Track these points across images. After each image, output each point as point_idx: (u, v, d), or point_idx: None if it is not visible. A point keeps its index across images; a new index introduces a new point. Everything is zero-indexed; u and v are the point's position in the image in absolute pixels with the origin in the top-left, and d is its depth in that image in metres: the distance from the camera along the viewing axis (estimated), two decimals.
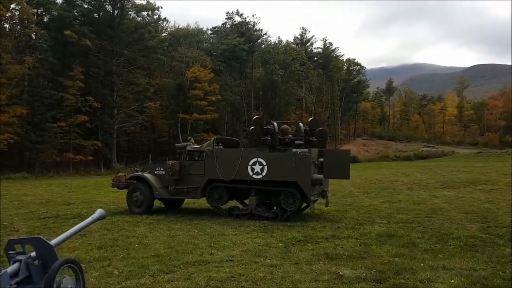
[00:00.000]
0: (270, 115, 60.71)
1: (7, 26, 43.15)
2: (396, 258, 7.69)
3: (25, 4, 40.88)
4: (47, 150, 39.42)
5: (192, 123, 52.92)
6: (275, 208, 12.22)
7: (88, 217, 6.09)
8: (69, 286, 4.90)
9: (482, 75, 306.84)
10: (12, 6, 40.07)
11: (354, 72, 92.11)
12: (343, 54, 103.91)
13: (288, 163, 11.73)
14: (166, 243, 9.16)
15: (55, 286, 4.74)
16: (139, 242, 9.29)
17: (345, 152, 13.29)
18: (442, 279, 6.41)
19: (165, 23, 68.12)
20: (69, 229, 5.98)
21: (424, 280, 6.38)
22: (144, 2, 52.65)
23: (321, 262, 7.55)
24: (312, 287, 6.23)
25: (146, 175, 13.68)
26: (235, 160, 12.28)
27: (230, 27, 72.37)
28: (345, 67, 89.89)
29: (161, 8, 64.18)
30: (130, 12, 51.73)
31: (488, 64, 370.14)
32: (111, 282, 6.50)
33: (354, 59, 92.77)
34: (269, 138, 12.43)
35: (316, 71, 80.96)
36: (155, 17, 60.64)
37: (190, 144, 13.67)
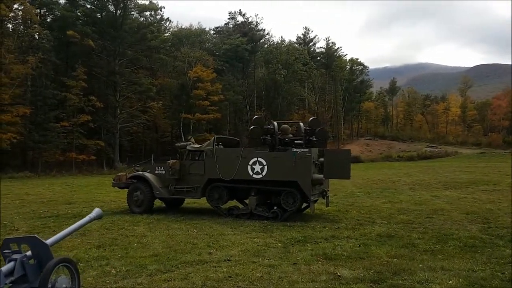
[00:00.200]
0: (273, 115, 60.70)
1: (10, 26, 43.33)
2: (395, 259, 7.66)
3: (28, 4, 41.00)
4: (50, 150, 39.52)
5: (195, 123, 53.01)
6: (275, 208, 12.20)
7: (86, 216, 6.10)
8: (64, 285, 4.89)
9: (485, 75, 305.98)
10: (15, 6, 40.23)
11: (357, 72, 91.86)
12: (346, 54, 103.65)
13: (288, 162, 11.70)
14: (165, 242, 9.15)
15: (50, 285, 4.73)
16: (138, 241, 9.29)
17: (346, 152, 13.26)
18: (440, 280, 6.38)
19: (167, 23, 68.31)
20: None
21: (422, 281, 6.35)
22: (147, 2, 52.73)
23: (319, 262, 7.52)
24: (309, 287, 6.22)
25: (147, 174, 13.69)
26: (235, 160, 12.26)
27: (232, 27, 72.41)
28: (348, 67, 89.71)
29: (164, 8, 63.94)
30: (132, 12, 51.84)
31: (492, 64, 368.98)
32: (108, 281, 6.50)
33: (357, 59, 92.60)
34: (269, 138, 12.42)
35: (319, 71, 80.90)
36: (158, 17, 60.65)
37: (190, 144, 13.67)
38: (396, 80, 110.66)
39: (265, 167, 11.95)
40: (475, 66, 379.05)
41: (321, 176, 11.82)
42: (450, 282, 6.31)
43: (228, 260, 7.67)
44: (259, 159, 12.02)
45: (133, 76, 48.90)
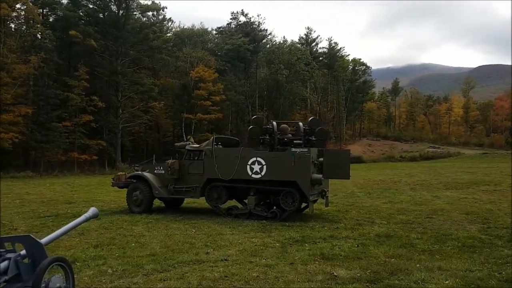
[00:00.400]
0: (275, 115, 60.69)
1: (13, 26, 43.45)
2: (393, 259, 7.64)
3: (31, 4, 41.13)
4: (52, 150, 39.56)
5: (196, 123, 53.02)
6: (274, 208, 12.20)
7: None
8: (58, 284, 4.88)
9: (488, 76, 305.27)
10: (18, 6, 40.33)
11: (360, 72, 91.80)
12: (349, 54, 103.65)
13: (287, 162, 11.69)
14: (162, 242, 9.15)
15: (43, 285, 4.72)
16: (136, 241, 9.29)
17: (345, 152, 13.24)
18: (436, 280, 6.36)
19: (170, 23, 68.35)
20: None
21: (419, 281, 6.33)
22: (149, 3, 52.79)
23: (316, 262, 7.51)
24: (305, 287, 6.20)
25: (146, 174, 13.68)
26: (234, 160, 12.25)
27: (235, 27, 72.36)
28: (351, 67, 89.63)
29: (166, 8, 64.00)
30: (135, 12, 51.87)
31: (495, 64, 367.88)
32: (104, 280, 6.49)
33: (360, 59, 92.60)
34: (268, 138, 12.40)
35: (321, 71, 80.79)
36: (160, 17, 60.78)
37: (189, 144, 13.66)
38: (398, 80, 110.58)
39: (264, 167, 11.93)
40: (478, 67, 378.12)
41: (320, 176, 11.80)
42: (447, 282, 6.29)
43: (225, 259, 7.67)
44: (258, 159, 12.00)
45: (135, 76, 48.93)
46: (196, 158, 13.32)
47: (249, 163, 12.07)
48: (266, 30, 75.13)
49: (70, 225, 5.85)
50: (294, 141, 12.37)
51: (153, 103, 49.01)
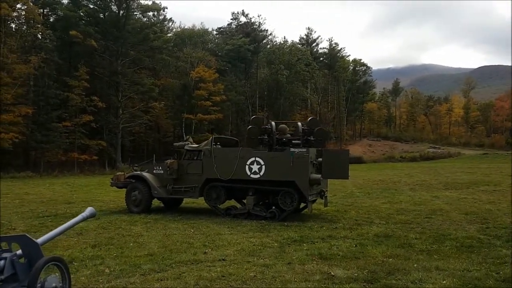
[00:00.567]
0: (275, 116, 60.68)
1: (13, 26, 43.46)
2: (391, 259, 7.64)
3: (31, 4, 41.13)
4: (52, 150, 39.54)
5: (197, 123, 53.02)
6: (273, 208, 12.19)
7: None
8: (53, 284, 4.87)
9: (489, 76, 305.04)
10: (18, 6, 40.32)
11: (360, 73, 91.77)
12: (349, 55, 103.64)
13: (286, 162, 11.68)
14: (161, 242, 9.14)
15: (39, 284, 4.72)
16: (134, 241, 9.29)
17: (344, 152, 13.23)
18: (433, 280, 6.35)
19: (170, 23, 68.33)
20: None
21: (416, 281, 6.32)
22: (150, 3, 52.79)
23: (314, 262, 7.50)
24: (301, 287, 6.19)
25: (145, 174, 13.68)
26: (233, 160, 12.25)
27: (235, 27, 72.35)
28: (351, 68, 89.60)
29: (167, 8, 64.08)
30: (135, 13, 51.87)
31: (495, 65, 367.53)
32: (101, 280, 6.49)
33: (360, 60, 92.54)
34: (267, 138, 12.39)
35: (322, 72, 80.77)
36: (161, 17, 60.80)
37: (188, 144, 13.66)
38: (399, 81, 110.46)
39: (263, 167, 11.93)
40: (478, 67, 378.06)
41: (319, 176, 11.80)
42: (444, 282, 6.28)
43: (223, 259, 7.66)
44: (257, 159, 12.00)
45: (135, 76, 48.92)
46: (195, 158, 13.32)
47: (248, 163, 12.07)
48: (267, 30, 75.21)
49: (67, 225, 5.85)
50: (293, 141, 12.36)
51: (154, 103, 49.02)
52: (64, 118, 40.91)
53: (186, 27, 72.56)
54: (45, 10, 47.57)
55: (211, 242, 9.17)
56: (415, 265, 7.21)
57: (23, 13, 41.41)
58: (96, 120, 43.44)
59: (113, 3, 48.57)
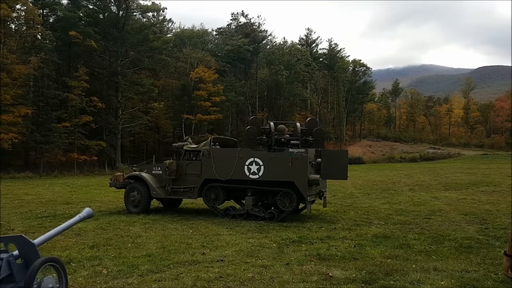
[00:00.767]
0: (275, 116, 60.74)
1: (13, 26, 43.46)
2: (389, 259, 7.62)
3: (31, 4, 41.14)
4: (52, 150, 39.55)
5: (196, 124, 53.01)
6: (272, 208, 12.18)
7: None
8: (50, 285, 4.86)
9: (489, 77, 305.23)
10: (18, 6, 40.36)
11: (360, 73, 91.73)
12: (349, 55, 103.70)
13: (285, 163, 11.67)
14: (159, 242, 9.12)
15: (36, 285, 4.71)
16: (133, 241, 9.27)
17: (343, 152, 13.19)
18: (432, 281, 6.33)
19: (170, 24, 68.42)
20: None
21: (414, 282, 6.30)
22: (149, 3, 52.78)
23: (312, 263, 7.48)
24: None
25: (144, 174, 13.66)
26: (232, 160, 12.23)
27: (235, 28, 72.34)
28: (351, 68, 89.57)
29: (166, 9, 64.08)
30: (135, 13, 51.90)
31: (496, 65, 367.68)
32: (98, 281, 6.46)
33: (360, 60, 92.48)
34: (265, 138, 12.38)
35: (321, 72, 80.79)
36: (160, 18, 60.78)
37: (187, 144, 13.64)
38: (399, 81, 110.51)
39: (262, 167, 11.92)
40: (478, 68, 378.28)
41: (317, 176, 11.77)
42: (442, 282, 6.26)
43: (221, 260, 7.64)
44: (256, 159, 11.98)
45: (135, 76, 48.95)
46: (193, 158, 13.31)
47: (247, 163, 12.06)
48: (266, 31, 75.27)
49: (64, 225, 5.84)
50: (291, 142, 12.34)
51: (153, 103, 49.13)
52: (64, 118, 40.95)
53: (185, 27, 72.73)
54: (44, 11, 47.62)
55: (210, 242, 9.15)
56: (414, 265, 7.20)
57: (23, 13, 41.54)
58: (96, 121, 43.46)
59: (112, 4, 48.61)
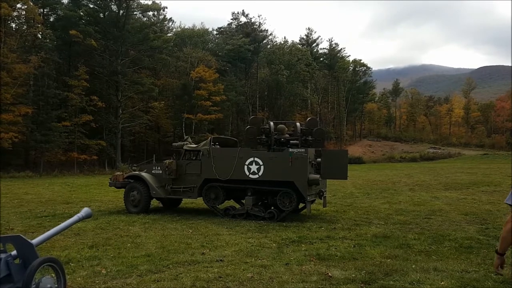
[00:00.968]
0: (275, 116, 60.70)
1: (13, 25, 43.48)
2: (389, 260, 7.60)
3: (31, 3, 41.12)
4: (52, 150, 39.54)
5: (197, 123, 53.00)
6: (272, 208, 12.17)
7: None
8: (48, 285, 4.83)
9: (490, 77, 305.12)
10: (18, 5, 40.35)
11: (360, 73, 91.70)
12: (349, 55, 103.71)
13: (285, 163, 11.64)
14: (158, 242, 9.10)
15: (34, 285, 4.68)
16: (132, 241, 9.24)
17: (343, 152, 13.17)
18: (432, 281, 6.30)
19: (170, 23, 68.36)
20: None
21: (414, 282, 6.28)
22: (150, 2, 52.78)
23: (312, 263, 7.46)
24: None
25: (143, 174, 13.64)
26: (232, 160, 12.21)
27: (235, 27, 72.34)
28: (351, 68, 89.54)
29: (167, 8, 64.14)
30: (135, 12, 51.94)
31: (496, 65, 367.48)
32: (97, 281, 6.44)
33: (361, 60, 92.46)
34: (265, 138, 12.36)
35: (322, 72, 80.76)
36: (161, 17, 60.83)
37: (187, 144, 13.62)
38: (399, 81, 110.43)
39: (262, 167, 11.89)
40: (479, 68, 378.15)
41: (317, 176, 11.75)
42: (442, 283, 6.24)
43: (221, 260, 7.62)
44: (256, 159, 11.96)
45: (135, 76, 48.93)
46: (193, 158, 13.29)
47: (247, 163, 12.04)
48: (267, 30, 75.31)
49: (62, 225, 5.81)
50: (291, 141, 12.32)
51: (153, 103, 49.09)
52: (64, 117, 40.91)
53: (186, 27, 72.67)
54: (45, 10, 47.64)
55: (209, 242, 9.13)
56: (414, 266, 7.17)
57: (23, 12, 41.55)
58: (96, 120, 43.45)
59: (113, 3, 48.60)
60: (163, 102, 50.82)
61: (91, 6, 48.70)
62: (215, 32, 75.26)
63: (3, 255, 4.79)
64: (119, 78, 46.37)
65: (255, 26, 71.15)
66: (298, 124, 13.02)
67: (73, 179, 32.20)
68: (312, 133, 12.57)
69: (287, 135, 12.61)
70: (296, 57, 70.86)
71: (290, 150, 11.80)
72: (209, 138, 13.33)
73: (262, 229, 10.70)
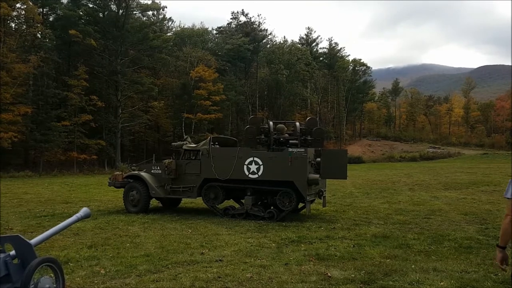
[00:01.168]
0: (275, 115, 60.70)
1: (13, 25, 43.45)
2: (388, 260, 7.58)
3: (31, 3, 41.10)
4: (51, 149, 39.54)
5: (196, 123, 52.97)
6: (271, 208, 12.15)
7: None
8: (47, 285, 4.83)
9: (489, 76, 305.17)
10: (18, 5, 40.33)
11: (360, 73, 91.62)
12: (349, 55, 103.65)
13: (284, 162, 11.63)
14: (158, 242, 9.09)
15: (32, 286, 4.67)
16: (131, 241, 9.23)
17: (343, 152, 13.16)
18: (431, 281, 6.29)
19: (170, 22, 68.37)
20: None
21: (413, 282, 6.26)
22: (149, 2, 52.75)
23: (311, 263, 7.45)
24: None
25: (143, 174, 13.62)
26: (231, 160, 12.20)
27: (235, 27, 72.30)
28: (351, 68, 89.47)
29: (166, 7, 64.12)
30: (135, 12, 51.89)
31: (496, 65, 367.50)
32: (96, 281, 6.43)
33: (360, 60, 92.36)
34: (264, 137, 12.34)
35: (322, 71, 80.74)
36: (160, 16, 60.78)
37: (186, 143, 13.60)
38: (399, 81, 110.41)
39: (261, 167, 11.88)
40: (479, 67, 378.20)
41: (317, 176, 11.74)
42: (442, 283, 6.23)
43: (220, 260, 7.61)
44: (255, 158, 11.95)
45: (135, 75, 48.91)
46: (193, 158, 13.27)
47: (246, 163, 12.02)
48: (267, 30, 75.25)
49: (61, 225, 5.80)
50: (290, 141, 12.31)
51: (153, 102, 49.06)
52: (64, 117, 40.90)
53: (185, 26, 72.61)
54: (44, 10, 47.57)
55: (209, 242, 9.12)
56: (413, 266, 7.16)
57: (23, 12, 41.55)
58: (96, 120, 43.43)
59: (112, 3, 48.58)
60: (162, 101, 50.80)
61: (91, 5, 48.68)
62: (214, 32, 75.31)
63: (1, 255, 4.78)
64: (119, 78, 46.35)
65: (254, 26, 71.12)
66: (297, 123, 13.01)
67: (72, 178, 32.19)
68: (312, 133, 12.55)
69: (286, 135, 12.60)
70: (295, 56, 70.84)
71: (290, 149, 11.79)
72: (209, 137, 13.32)
73: (262, 229, 10.68)
